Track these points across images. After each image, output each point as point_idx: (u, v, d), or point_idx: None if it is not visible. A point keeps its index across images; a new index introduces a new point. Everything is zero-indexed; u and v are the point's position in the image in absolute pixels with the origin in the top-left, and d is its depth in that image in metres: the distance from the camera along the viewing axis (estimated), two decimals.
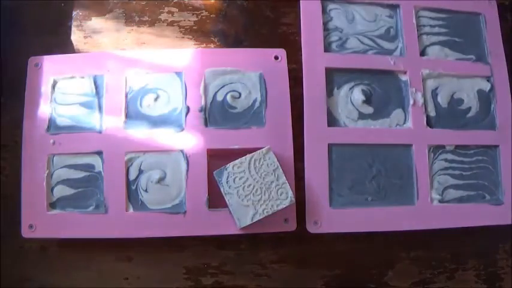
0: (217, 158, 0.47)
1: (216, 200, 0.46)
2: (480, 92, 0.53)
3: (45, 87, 0.49)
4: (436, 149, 0.50)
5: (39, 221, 0.46)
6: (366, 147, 0.49)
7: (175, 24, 0.54)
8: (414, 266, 0.50)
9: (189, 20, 0.54)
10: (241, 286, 0.48)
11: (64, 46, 0.52)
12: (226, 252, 0.49)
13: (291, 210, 0.47)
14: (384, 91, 0.51)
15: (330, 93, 0.50)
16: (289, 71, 0.50)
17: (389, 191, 0.49)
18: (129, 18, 0.54)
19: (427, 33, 0.53)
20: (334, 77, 0.51)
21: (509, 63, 0.53)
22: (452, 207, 0.49)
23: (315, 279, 0.49)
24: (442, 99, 0.52)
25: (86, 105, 0.49)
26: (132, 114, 0.49)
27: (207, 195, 0.47)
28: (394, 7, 0.53)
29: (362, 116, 0.50)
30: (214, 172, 0.46)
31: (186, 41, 0.53)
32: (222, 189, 0.45)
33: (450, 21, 0.54)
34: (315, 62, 0.50)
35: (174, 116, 0.49)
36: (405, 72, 0.51)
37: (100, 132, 0.48)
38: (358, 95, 0.50)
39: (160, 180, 0.47)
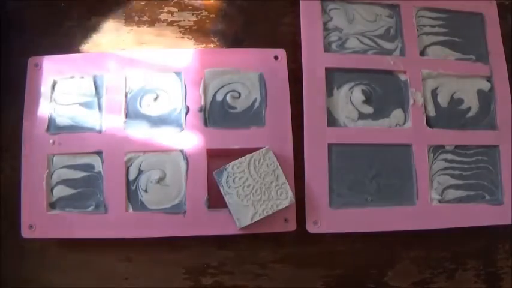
0: (217, 158, 0.47)
1: (215, 200, 0.46)
2: (480, 92, 0.53)
3: (45, 87, 0.49)
4: (436, 149, 0.50)
5: (39, 221, 0.46)
6: (366, 147, 0.49)
7: (175, 24, 0.54)
8: (414, 266, 0.50)
9: (189, 20, 0.54)
10: (241, 286, 0.48)
11: (64, 46, 0.52)
12: (226, 252, 0.49)
13: (291, 210, 0.47)
14: (383, 91, 0.51)
15: (329, 93, 0.50)
16: (289, 71, 0.50)
17: (389, 191, 0.49)
18: (129, 18, 0.54)
19: (427, 33, 0.53)
20: (334, 77, 0.51)
21: (509, 63, 0.53)
22: (452, 207, 0.49)
23: (315, 279, 0.49)
24: (442, 99, 0.52)
25: (86, 105, 0.49)
26: (132, 114, 0.49)
27: (206, 195, 0.47)
28: (394, 7, 0.53)
29: (362, 116, 0.50)
30: (214, 172, 0.46)
31: (186, 41, 0.53)
32: (221, 189, 0.45)
33: (450, 21, 0.54)
34: (314, 62, 0.50)
35: (173, 116, 0.49)
36: (405, 72, 0.51)
37: (100, 132, 0.48)
38: (358, 95, 0.50)
39: (160, 180, 0.47)
